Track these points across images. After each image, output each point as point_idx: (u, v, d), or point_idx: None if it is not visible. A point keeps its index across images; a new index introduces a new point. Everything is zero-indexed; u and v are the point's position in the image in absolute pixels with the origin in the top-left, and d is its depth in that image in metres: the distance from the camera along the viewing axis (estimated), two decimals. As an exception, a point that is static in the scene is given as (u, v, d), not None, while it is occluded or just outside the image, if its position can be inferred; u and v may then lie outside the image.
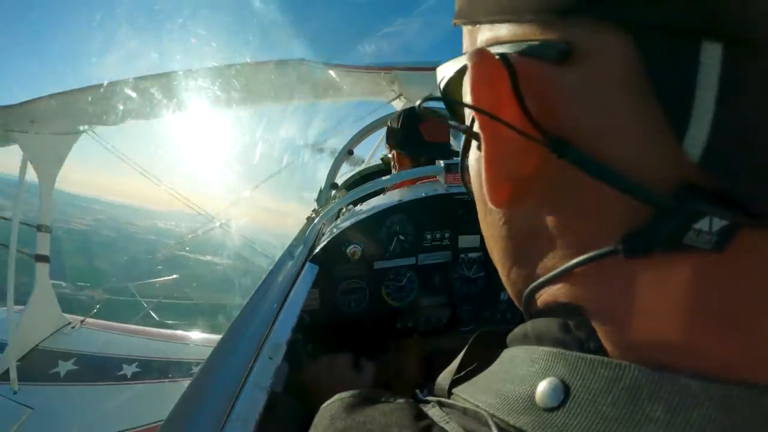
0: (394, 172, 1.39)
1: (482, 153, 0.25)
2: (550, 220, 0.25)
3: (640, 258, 0.21)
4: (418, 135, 1.30)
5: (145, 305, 3.68)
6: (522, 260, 0.29)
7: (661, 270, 0.21)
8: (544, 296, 0.27)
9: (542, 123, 0.23)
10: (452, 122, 0.29)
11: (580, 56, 0.20)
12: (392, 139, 1.40)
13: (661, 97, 0.18)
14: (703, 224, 0.19)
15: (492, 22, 0.25)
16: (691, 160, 0.18)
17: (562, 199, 0.24)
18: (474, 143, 0.30)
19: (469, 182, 0.34)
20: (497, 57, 0.23)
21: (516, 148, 0.24)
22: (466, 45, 0.30)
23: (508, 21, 0.24)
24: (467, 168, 0.33)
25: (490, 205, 0.28)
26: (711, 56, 0.17)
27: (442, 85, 0.34)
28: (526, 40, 0.23)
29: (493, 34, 0.25)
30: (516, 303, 0.33)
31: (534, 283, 0.27)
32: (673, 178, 0.19)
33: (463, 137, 0.33)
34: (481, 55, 0.23)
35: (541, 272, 0.27)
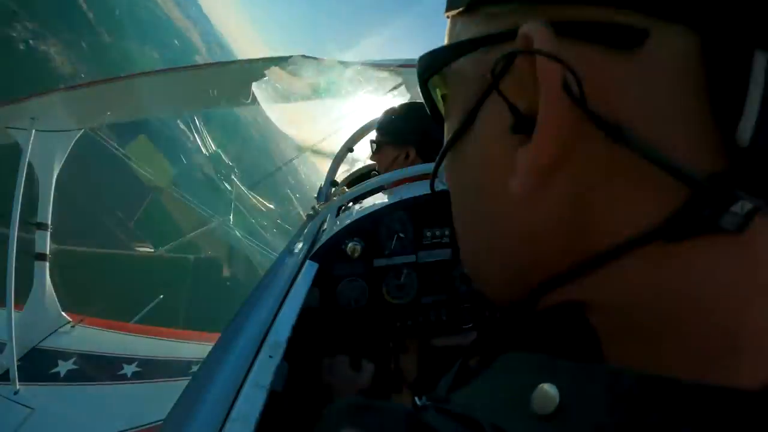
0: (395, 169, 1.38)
1: (538, 126, 0.24)
2: (573, 212, 0.25)
3: (678, 242, 0.22)
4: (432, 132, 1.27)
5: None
6: (531, 260, 0.28)
7: (689, 254, 0.22)
8: (552, 297, 0.27)
9: (594, 106, 0.23)
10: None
11: (647, 45, 0.22)
12: (410, 137, 1.35)
13: (717, 91, 0.21)
14: (736, 207, 0.21)
15: (555, 2, 0.25)
16: (741, 146, 0.21)
17: (590, 188, 0.24)
18: (475, 137, 0.30)
19: (451, 184, 0.34)
20: (557, 42, 0.23)
21: (565, 124, 0.24)
22: (483, 27, 0.28)
23: (572, 2, 0.24)
24: (458, 163, 0.33)
25: (508, 196, 0.27)
26: (759, 62, 0.20)
27: (429, 72, 0.33)
28: (592, 23, 0.23)
29: (542, 14, 0.25)
30: (505, 305, 0.33)
31: (544, 282, 0.27)
32: (713, 165, 0.22)
33: (450, 134, 0.32)
34: (545, 29, 0.23)
35: (553, 270, 0.27)
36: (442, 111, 0.35)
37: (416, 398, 0.34)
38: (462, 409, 0.27)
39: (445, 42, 0.33)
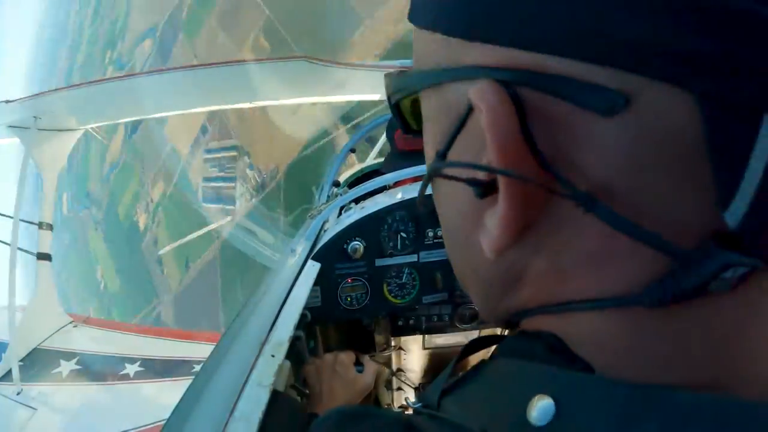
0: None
1: (500, 208, 0.22)
2: (547, 265, 0.24)
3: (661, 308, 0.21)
4: (392, 144, 1.31)
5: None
6: (507, 296, 0.28)
7: (672, 314, 0.21)
8: (529, 323, 0.28)
9: (563, 173, 0.21)
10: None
11: (631, 111, 0.19)
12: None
13: (715, 162, 0.18)
14: (727, 273, 0.19)
15: (519, 47, 0.21)
16: (729, 226, 0.19)
17: (567, 244, 0.23)
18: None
19: (439, 209, 0.33)
20: (512, 95, 0.21)
21: (532, 200, 0.22)
22: (441, 55, 0.25)
23: (542, 51, 0.20)
24: (437, 194, 0.32)
25: (483, 250, 0.25)
26: (766, 129, 0.17)
27: (395, 97, 0.31)
28: (566, 78, 0.20)
29: (502, 59, 0.21)
30: (484, 317, 0.34)
31: (519, 311, 0.28)
32: (701, 232, 0.19)
33: (428, 168, 0.29)
34: (500, 95, 0.20)
35: (529, 304, 0.27)
36: (414, 125, 0.33)
37: (409, 401, 0.34)
38: (455, 417, 0.27)
39: (413, 52, 0.30)
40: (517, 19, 0.20)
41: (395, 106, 0.32)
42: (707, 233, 0.19)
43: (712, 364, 0.22)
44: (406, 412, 0.32)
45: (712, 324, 0.21)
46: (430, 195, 0.33)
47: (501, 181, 0.21)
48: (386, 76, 0.31)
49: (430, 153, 0.29)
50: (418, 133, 0.32)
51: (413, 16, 0.27)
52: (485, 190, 0.23)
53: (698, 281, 0.20)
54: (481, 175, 0.23)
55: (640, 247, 0.20)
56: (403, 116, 0.32)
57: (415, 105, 0.31)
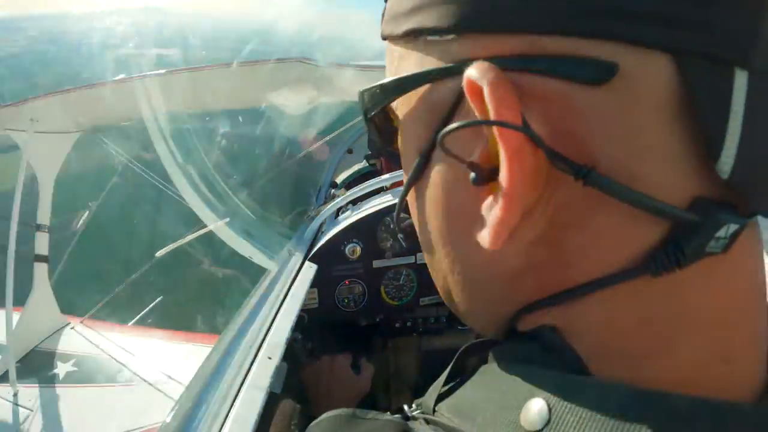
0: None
1: (503, 190, 0.22)
2: (549, 252, 0.24)
3: (664, 274, 0.21)
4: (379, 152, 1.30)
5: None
6: (509, 294, 0.27)
7: (675, 281, 0.21)
8: (527, 321, 0.27)
9: (559, 147, 0.21)
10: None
11: (618, 78, 0.20)
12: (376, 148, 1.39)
13: (700, 119, 0.19)
14: (721, 232, 0.20)
15: (508, 31, 0.22)
16: (722, 177, 0.20)
17: (567, 226, 0.23)
18: (434, 182, 0.27)
19: (415, 220, 0.32)
20: (510, 75, 0.21)
21: (533, 179, 0.22)
22: (424, 59, 0.25)
23: (529, 32, 0.21)
24: (418, 205, 0.30)
25: (478, 250, 0.25)
26: (741, 83, 0.19)
27: (373, 110, 0.31)
28: (554, 56, 0.21)
29: (498, 46, 0.22)
30: (479, 328, 0.32)
31: (515, 312, 0.27)
32: (693, 192, 0.21)
33: (406, 176, 0.29)
34: (498, 76, 0.21)
35: (525, 302, 0.26)
36: (392, 144, 0.32)
37: (406, 406, 0.34)
38: (451, 422, 0.27)
39: (386, 68, 0.30)
40: (503, 5, 0.21)
41: (371, 121, 0.32)
42: (702, 194, 0.20)
43: (721, 331, 0.22)
44: (402, 416, 0.32)
45: (713, 290, 0.22)
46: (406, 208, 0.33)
47: (504, 156, 0.21)
48: (360, 92, 0.31)
49: (410, 158, 0.29)
50: (393, 152, 0.32)
51: (389, 29, 0.28)
52: (481, 179, 0.23)
53: (698, 243, 0.20)
54: (477, 159, 0.23)
55: (640, 218, 0.21)
56: (380, 130, 0.32)
57: (390, 120, 0.31)
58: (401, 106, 0.29)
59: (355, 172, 2.13)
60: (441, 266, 0.31)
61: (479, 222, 0.24)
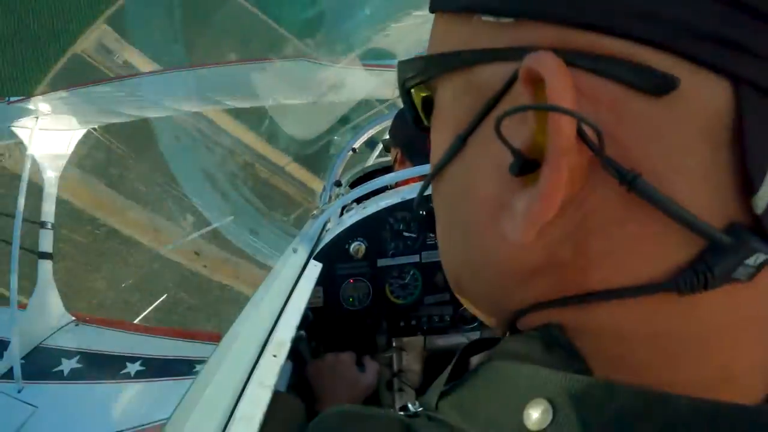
0: (396, 168, 1.40)
1: (543, 184, 0.21)
2: (572, 254, 0.23)
3: (688, 294, 0.21)
4: (425, 147, 1.29)
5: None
6: (518, 290, 0.27)
7: (694, 302, 0.21)
8: (531, 319, 0.26)
9: (610, 150, 0.21)
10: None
11: (676, 93, 0.19)
12: (397, 139, 1.39)
13: (747, 152, 0.19)
14: (751, 260, 0.20)
15: (571, 25, 0.21)
16: (755, 211, 0.20)
17: (599, 229, 0.22)
18: (466, 166, 0.27)
19: (439, 203, 0.31)
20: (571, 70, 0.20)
21: (574, 175, 0.21)
22: (475, 38, 0.25)
23: (593, 29, 0.20)
24: (445, 189, 0.30)
25: (500, 242, 0.25)
26: None
27: (411, 82, 0.30)
28: (616, 59, 0.20)
29: (558, 38, 0.21)
30: (484, 320, 0.32)
31: (527, 307, 0.26)
32: (729, 218, 0.20)
33: (437, 157, 0.29)
34: (563, 69, 0.20)
35: (540, 298, 0.26)
36: (425, 121, 0.32)
37: (409, 404, 0.33)
38: (453, 420, 0.26)
39: (430, 40, 0.29)
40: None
41: (408, 94, 0.31)
42: (735, 219, 0.20)
43: (729, 354, 0.22)
44: (405, 414, 0.31)
45: (731, 314, 0.21)
46: (427, 196, 0.33)
47: (552, 150, 0.21)
48: (401, 62, 0.30)
49: (444, 140, 0.28)
50: (426, 128, 0.32)
51: (441, 2, 0.27)
52: (521, 169, 0.22)
53: (727, 267, 0.20)
54: (520, 146, 0.23)
55: (672, 233, 0.21)
56: (415, 105, 0.32)
57: (428, 96, 0.30)
58: (442, 84, 0.28)
59: (359, 170, 2.13)
60: (456, 252, 0.30)
61: (507, 213, 0.24)
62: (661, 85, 0.19)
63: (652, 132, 0.20)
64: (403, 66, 0.30)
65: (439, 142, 0.29)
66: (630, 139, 0.21)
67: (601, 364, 0.23)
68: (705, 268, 0.20)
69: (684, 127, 0.20)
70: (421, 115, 0.32)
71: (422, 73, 0.29)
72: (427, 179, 0.31)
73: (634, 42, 0.20)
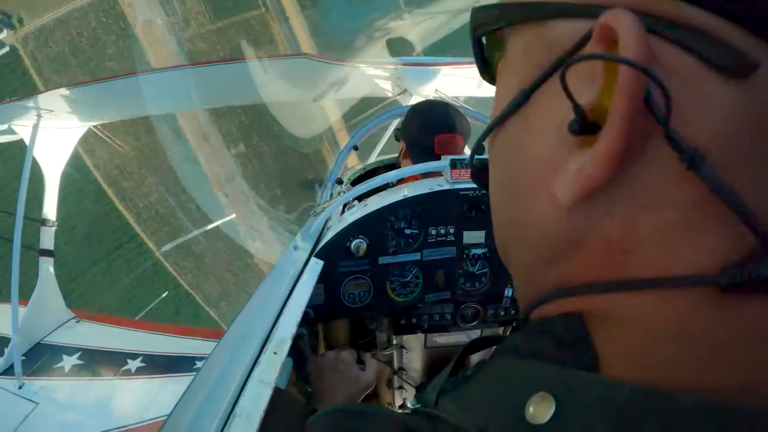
0: (400, 161, 1.41)
1: (602, 146, 0.20)
2: (618, 229, 0.22)
3: (734, 293, 0.20)
4: (431, 146, 1.29)
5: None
6: (555, 263, 0.26)
7: (728, 303, 0.20)
8: (552, 308, 0.26)
9: (675, 126, 0.20)
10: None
11: (753, 78, 0.19)
12: (404, 134, 1.40)
13: None
14: None
15: None
16: None
17: (650, 208, 0.21)
18: (525, 122, 0.26)
19: (494, 159, 0.30)
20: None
21: (635, 142, 0.21)
22: None
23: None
24: (502, 143, 0.29)
25: (549, 203, 0.24)
26: None
27: (483, 29, 0.29)
28: (699, 31, 0.19)
29: (635, 1, 0.20)
30: (522, 303, 0.31)
31: (555, 289, 0.26)
32: None
33: (498, 109, 0.28)
34: (641, 31, 0.19)
35: (572, 280, 0.25)
36: (492, 72, 0.31)
37: (408, 402, 0.33)
38: (453, 417, 0.26)
39: None
40: None
41: (478, 43, 0.31)
42: None
43: (757, 363, 0.21)
44: (405, 412, 0.31)
45: (763, 320, 0.20)
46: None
47: (618, 112, 0.20)
48: (476, 8, 0.29)
49: (508, 93, 0.28)
50: (492, 78, 0.31)
51: None
52: (581, 128, 0.22)
53: None
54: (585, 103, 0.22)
55: (726, 225, 0.20)
56: (483, 55, 0.31)
57: (498, 45, 0.29)
58: (513, 36, 0.28)
59: (361, 168, 2.13)
60: (505, 211, 0.30)
61: (560, 173, 0.23)
62: (740, 67, 0.19)
63: (722, 114, 0.19)
64: (477, 13, 0.29)
65: (503, 94, 0.29)
66: (698, 118, 0.20)
67: (619, 357, 0.22)
68: (753, 269, 0.19)
69: (756, 116, 0.19)
70: (489, 65, 0.31)
71: (495, 22, 0.28)
72: (486, 129, 0.31)
73: (722, 18, 0.19)
